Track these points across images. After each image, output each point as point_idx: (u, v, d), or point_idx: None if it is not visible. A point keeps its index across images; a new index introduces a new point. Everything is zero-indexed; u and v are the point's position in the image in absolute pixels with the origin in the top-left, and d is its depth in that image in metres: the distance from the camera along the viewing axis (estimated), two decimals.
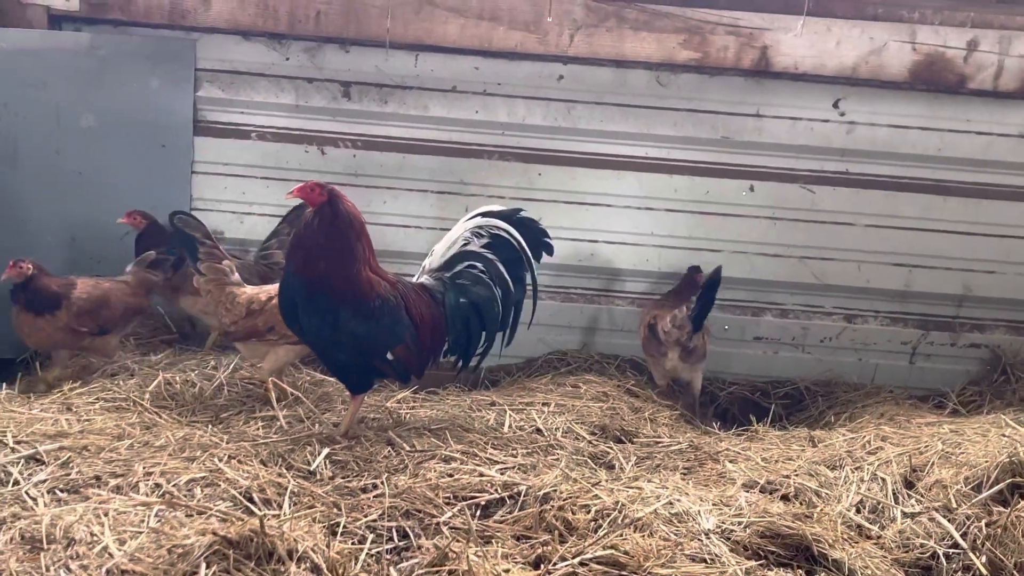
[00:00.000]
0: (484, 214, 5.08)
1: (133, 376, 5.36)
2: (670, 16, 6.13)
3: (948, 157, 6.38)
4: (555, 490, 4.10)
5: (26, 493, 3.81)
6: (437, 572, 3.24)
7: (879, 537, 4.26)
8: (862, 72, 6.21)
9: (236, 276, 5.24)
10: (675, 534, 3.90)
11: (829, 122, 6.37)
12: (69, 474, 4.00)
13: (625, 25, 6.15)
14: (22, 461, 4.09)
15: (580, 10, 6.13)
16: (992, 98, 6.30)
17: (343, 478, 4.28)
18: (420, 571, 3.31)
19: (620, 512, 4.00)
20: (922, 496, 4.49)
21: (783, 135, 6.38)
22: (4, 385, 5.22)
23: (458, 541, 3.62)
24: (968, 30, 6.15)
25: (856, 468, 4.83)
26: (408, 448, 4.59)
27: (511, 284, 5.02)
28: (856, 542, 4.14)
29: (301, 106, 6.31)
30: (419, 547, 3.65)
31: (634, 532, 3.85)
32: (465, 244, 5.04)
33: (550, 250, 5.19)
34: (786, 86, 6.31)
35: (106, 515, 3.58)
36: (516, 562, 3.62)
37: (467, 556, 3.27)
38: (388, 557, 3.67)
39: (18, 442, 4.30)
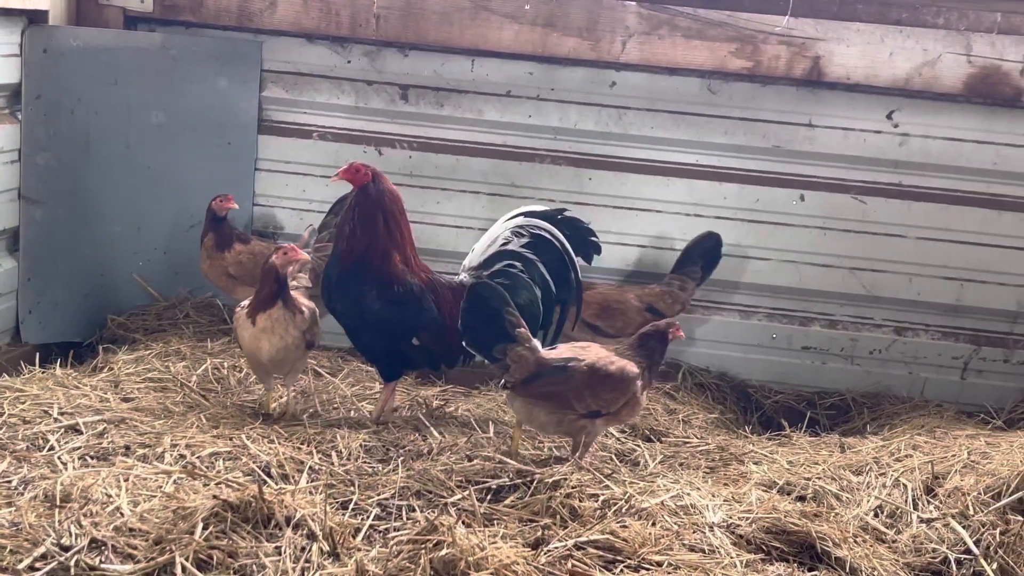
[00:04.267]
0: (526, 214, 5.20)
1: (184, 359, 5.59)
2: (722, 25, 6.18)
3: (1004, 171, 6.29)
4: (566, 478, 4.18)
5: (58, 458, 4.04)
6: (424, 542, 3.35)
7: (893, 541, 4.27)
8: (915, 84, 6.18)
9: None
10: (678, 525, 3.96)
11: (882, 133, 6.34)
12: (102, 443, 4.23)
13: (677, 33, 6.22)
14: (61, 430, 4.33)
15: (633, 18, 6.22)
16: None
17: (364, 460, 4.43)
18: (408, 538, 3.43)
19: (627, 502, 4.07)
20: (941, 503, 4.47)
21: (835, 145, 6.37)
22: (59, 363, 5.49)
23: (451, 517, 3.74)
24: None
25: (880, 474, 4.83)
26: (435, 434, 4.72)
27: (552, 284, 5.12)
28: (866, 543, 4.14)
29: (360, 108, 6.50)
30: (416, 521, 3.78)
31: (636, 521, 3.92)
32: (505, 243, 5.15)
33: (598, 249, 5.28)
34: (839, 96, 6.31)
35: (126, 480, 3.79)
36: (514, 542, 3.71)
37: (454, 529, 3.38)
38: (393, 535, 3.79)
39: (62, 413, 4.55)
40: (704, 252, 6.14)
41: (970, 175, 6.34)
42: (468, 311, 4.78)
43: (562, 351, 4.61)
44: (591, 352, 4.59)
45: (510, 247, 5.14)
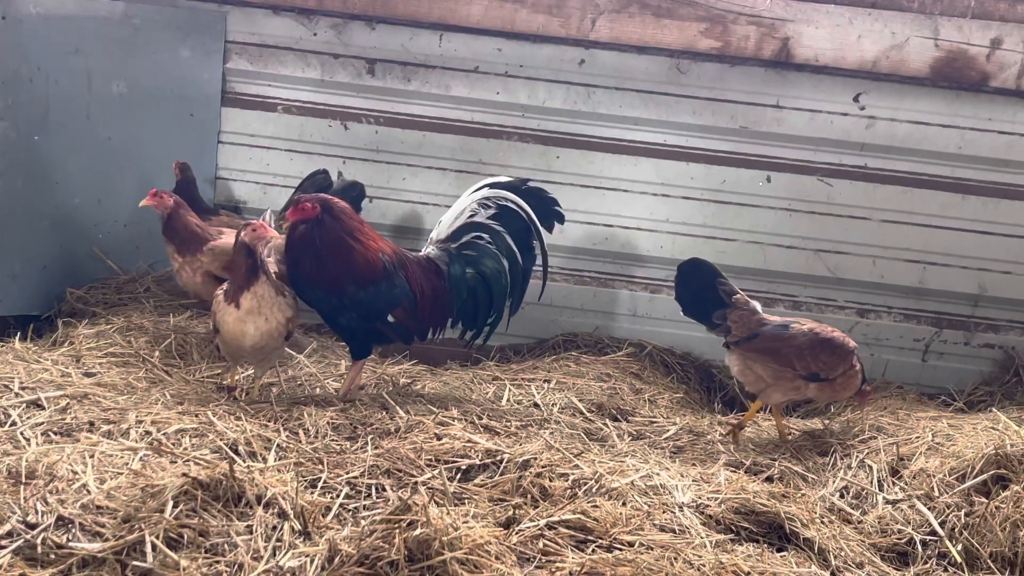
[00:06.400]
0: (491, 185, 5.21)
1: (146, 334, 5.51)
2: (692, 4, 6.17)
3: (968, 155, 6.35)
4: (535, 458, 4.17)
5: (21, 434, 3.96)
6: (398, 521, 3.32)
7: (859, 522, 4.30)
8: (883, 67, 6.21)
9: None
10: (648, 505, 3.95)
11: (849, 116, 6.36)
12: (65, 419, 4.14)
13: (647, 11, 6.20)
14: (23, 405, 4.24)
15: None
16: (1015, 97, 6.26)
17: (332, 438, 4.38)
18: (381, 518, 3.39)
19: (597, 482, 4.06)
20: (906, 484, 4.50)
21: (802, 127, 6.39)
22: (18, 337, 5.39)
23: (424, 496, 3.71)
24: (992, 28, 6.12)
25: (845, 455, 4.86)
26: (402, 413, 4.68)
27: (518, 255, 5.16)
28: (833, 524, 4.17)
29: (326, 81, 6.43)
30: (388, 500, 3.75)
31: (607, 501, 3.91)
32: (472, 215, 5.17)
33: (561, 219, 5.33)
34: (807, 78, 6.32)
35: (92, 457, 3.72)
36: (486, 521, 3.70)
37: (427, 508, 3.35)
38: (363, 514, 3.76)
39: (23, 388, 4.46)
40: (317, 190, 5.79)
41: (934, 159, 6.39)
42: (683, 285, 5.21)
43: (778, 318, 5.18)
44: (808, 321, 5.15)
45: (477, 219, 5.17)
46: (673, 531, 3.81)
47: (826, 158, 6.43)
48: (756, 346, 5.01)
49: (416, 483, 3.95)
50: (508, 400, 5.30)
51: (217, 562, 3.17)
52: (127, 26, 6.21)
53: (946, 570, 4.00)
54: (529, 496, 3.93)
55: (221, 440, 4.08)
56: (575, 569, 3.40)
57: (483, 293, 5.11)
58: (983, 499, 4.19)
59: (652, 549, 3.61)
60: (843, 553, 3.94)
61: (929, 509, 4.26)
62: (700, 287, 5.16)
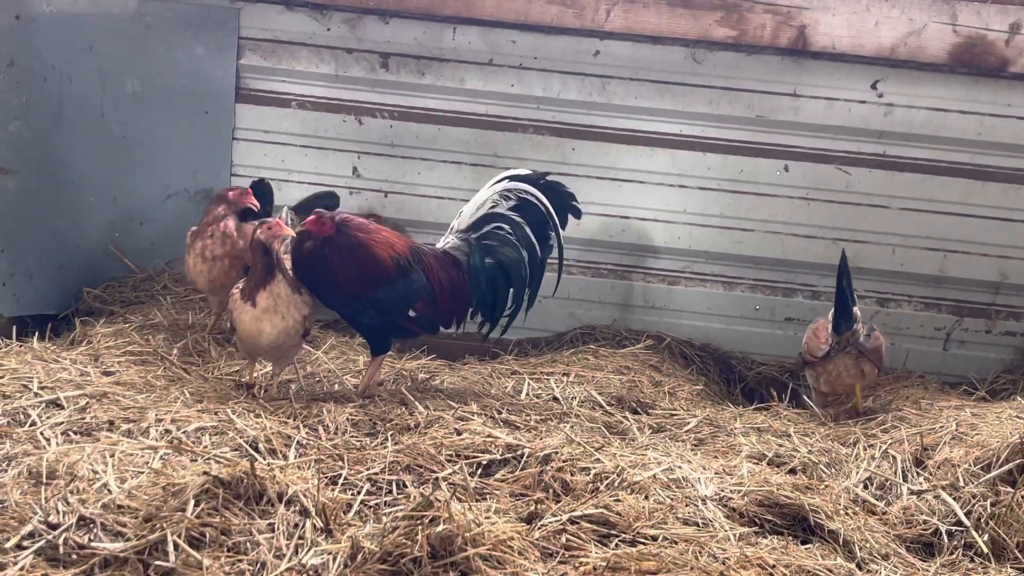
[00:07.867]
0: (511, 178, 5.21)
1: (163, 332, 5.50)
2: None
3: (987, 142, 6.31)
4: (556, 452, 4.14)
5: (40, 434, 3.94)
6: (420, 518, 3.30)
7: (884, 513, 4.26)
8: (900, 53, 6.16)
9: None
10: (671, 498, 3.92)
11: (867, 103, 6.32)
12: (84, 418, 4.12)
13: (662, 1, 6.16)
14: (42, 405, 4.22)
15: None
16: None
17: (352, 434, 4.37)
18: (403, 514, 3.37)
19: (619, 476, 4.03)
20: (931, 474, 4.46)
21: (819, 115, 6.35)
22: (36, 336, 5.38)
23: (445, 492, 3.68)
24: (1011, 13, 6.07)
25: (868, 446, 4.82)
26: (421, 408, 4.65)
27: (537, 246, 5.15)
28: (858, 515, 4.13)
29: (340, 76, 6.41)
30: (409, 496, 3.73)
31: (629, 495, 3.88)
32: (493, 206, 5.17)
33: (578, 214, 5.33)
34: (823, 66, 6.28)
35: (112, 456, 3.70)
36: (508, 517, 3.67)
37: (450, 504, 3.33)
38: (384, 510, 3.74)
39: (42, 387, 4.44)
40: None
41: (954, 145, 6.35)
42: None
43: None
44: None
45: (498, 210, 5.17)
46: (697, 524, 3.77)
47: (844, 146, 6.39)
48: (867, 347, 5.44)
49: (437, 479, 3.93)
50: (527, 394, 5.27)
51: (240, 561, 3.15)
52: (140, 23, 6.21)
53: (972, 561, 3.94)
54: (551, 491, 3.91)
55: (241, 438, 4.06)
56: (599, 564, 3.37)
57: (502, 282, 5.11)
58: (1009, 489, 4.14)
59: (676, 543, 3.58)
60: (868, 545, 3.90)
61: (954, 499, 4.20)
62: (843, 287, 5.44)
